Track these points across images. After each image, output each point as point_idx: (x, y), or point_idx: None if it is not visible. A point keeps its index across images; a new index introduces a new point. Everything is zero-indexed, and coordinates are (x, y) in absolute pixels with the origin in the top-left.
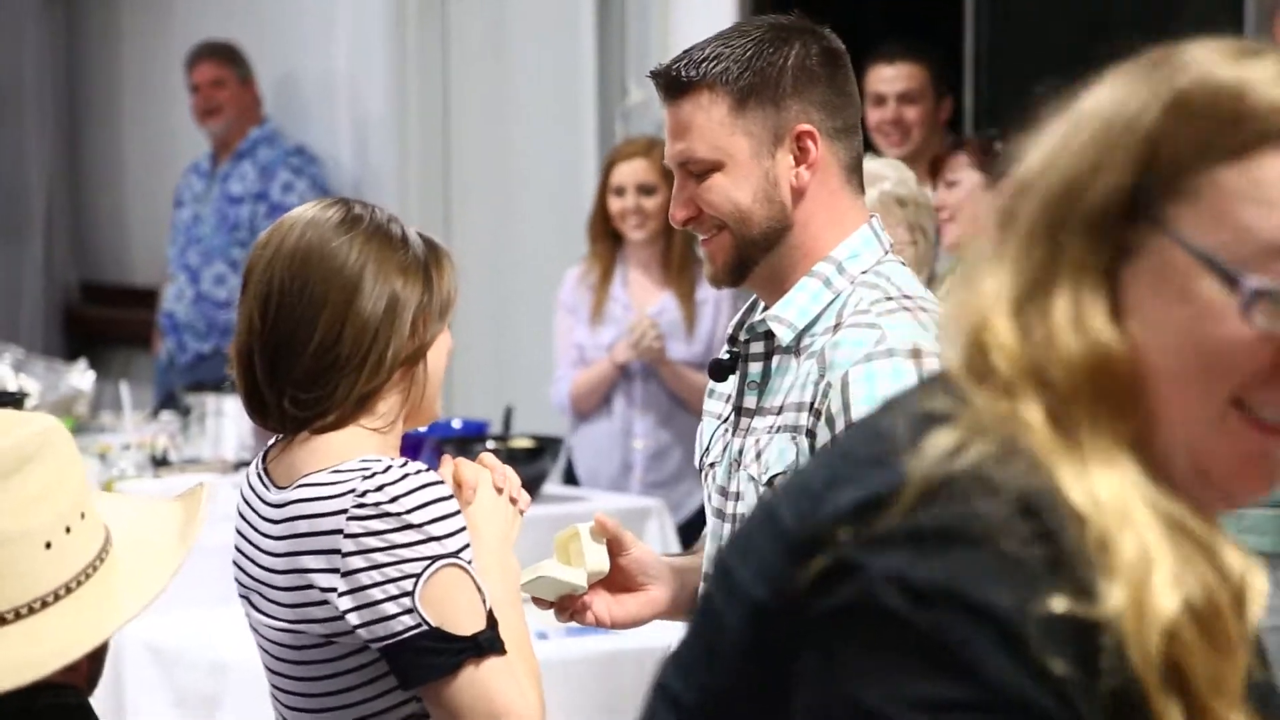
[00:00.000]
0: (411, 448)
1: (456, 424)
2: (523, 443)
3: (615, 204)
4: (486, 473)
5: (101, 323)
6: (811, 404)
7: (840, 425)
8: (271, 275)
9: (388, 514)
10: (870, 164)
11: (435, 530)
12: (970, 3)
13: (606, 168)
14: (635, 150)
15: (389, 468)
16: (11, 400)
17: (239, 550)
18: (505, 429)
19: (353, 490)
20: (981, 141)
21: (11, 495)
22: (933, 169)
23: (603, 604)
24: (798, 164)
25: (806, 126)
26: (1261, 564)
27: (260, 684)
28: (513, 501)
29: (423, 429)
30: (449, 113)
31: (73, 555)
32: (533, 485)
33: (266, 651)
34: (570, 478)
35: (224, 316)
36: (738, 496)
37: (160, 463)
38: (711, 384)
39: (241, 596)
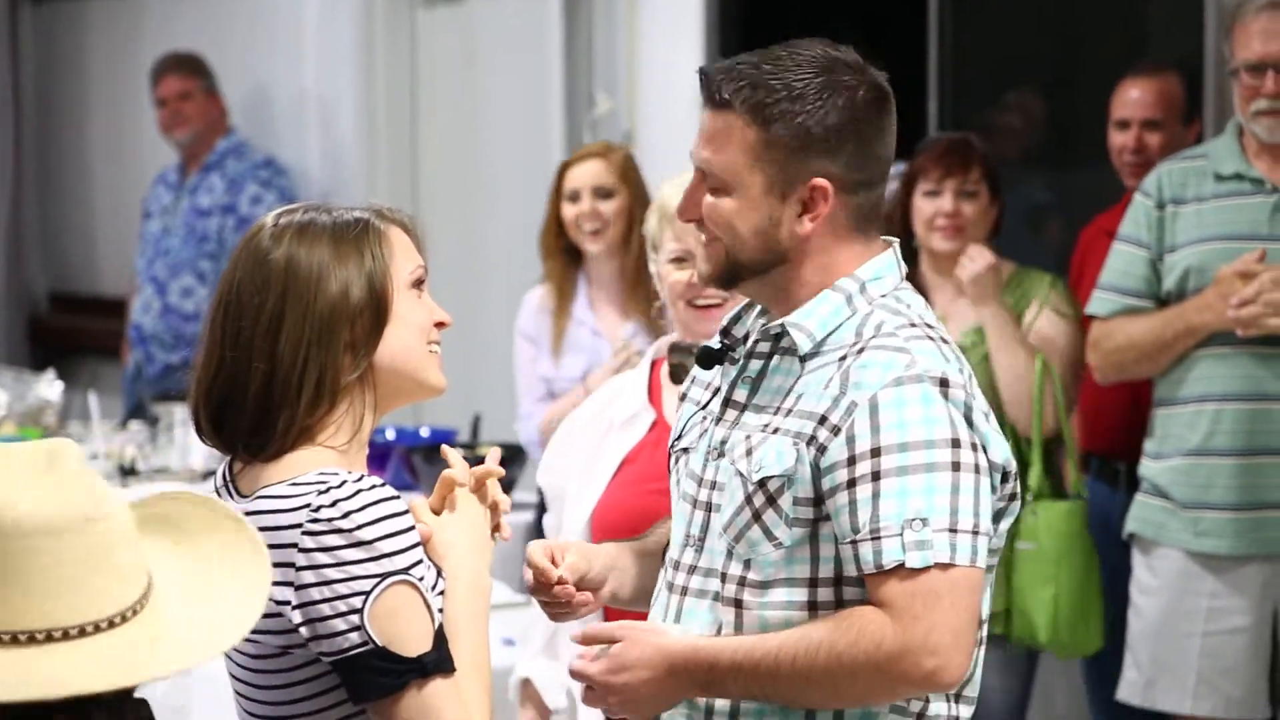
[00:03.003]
0: (379, 456)
1: (424, 432)
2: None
3: (569, 211)
4: (466, 489)
5: (70, 333)
6: (825, 417)
7: (863, 446)
8: (212, 330)
9: (339, 530)
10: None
11: (385, 547)
12: (934, 5)
13: (560, 174)
14: (591, 152)
15: (344, 482)
16: None
17: None
18: (473, 437)
19: (308, 505)
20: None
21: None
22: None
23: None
24: (804, 214)
25: (822, 183)
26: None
27: (228, 694)
28: (494, 509)
29: (386, 442)
30: (417, 126)
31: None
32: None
33: (230, 659)
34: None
35: (191, 328)
36: (715, 486)
37: (128, 472)
38: (695, 370)
39: None
